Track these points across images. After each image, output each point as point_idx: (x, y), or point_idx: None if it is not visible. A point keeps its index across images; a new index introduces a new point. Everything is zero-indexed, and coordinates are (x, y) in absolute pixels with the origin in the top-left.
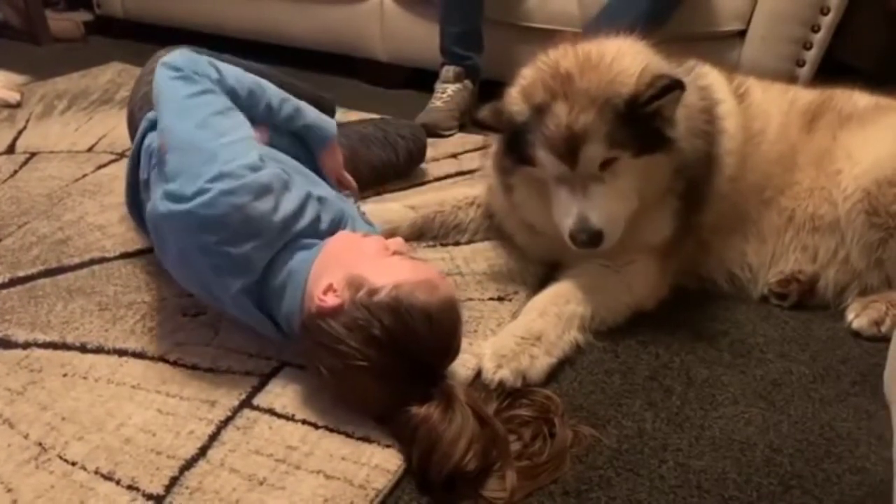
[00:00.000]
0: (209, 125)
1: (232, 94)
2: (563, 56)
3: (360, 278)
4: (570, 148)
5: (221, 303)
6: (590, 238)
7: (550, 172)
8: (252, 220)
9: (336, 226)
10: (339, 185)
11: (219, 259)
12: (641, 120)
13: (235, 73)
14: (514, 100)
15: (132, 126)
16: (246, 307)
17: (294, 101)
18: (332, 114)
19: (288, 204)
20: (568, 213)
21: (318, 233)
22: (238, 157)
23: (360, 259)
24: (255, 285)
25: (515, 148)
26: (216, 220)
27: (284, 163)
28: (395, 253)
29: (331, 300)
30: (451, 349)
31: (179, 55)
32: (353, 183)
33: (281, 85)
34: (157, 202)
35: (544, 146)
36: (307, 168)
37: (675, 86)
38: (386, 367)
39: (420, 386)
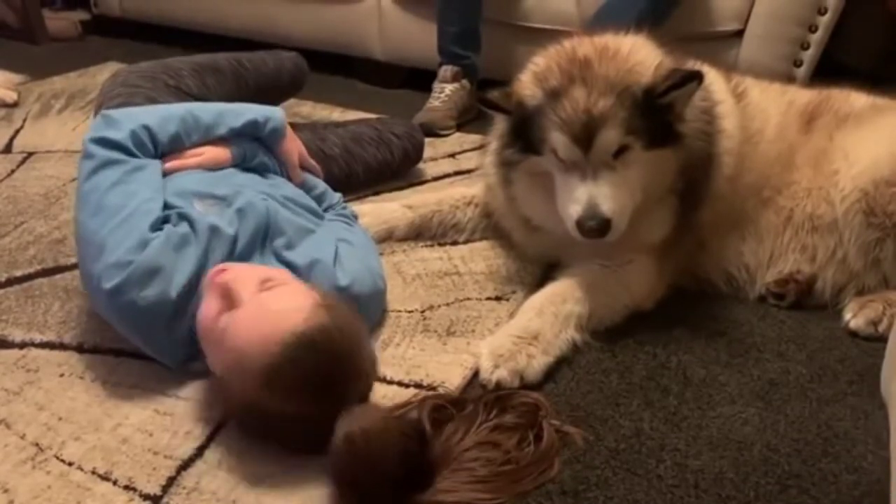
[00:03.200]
0: (102, 208)
1: (154, 144)
2: (579, 44)
3: (214, 371)
4: (586, 132)
5: None
6: (598, 226)
7: (562, 157)
8: (146, 310)
9: (263, 233)
10: (304, 171)
11: (150, 343)
12: (655, 111)
13: (159, 120)
14: (526, 84)
15: None
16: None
17: (229, 113)
18: (300, 72)
19: (186, 266)
20: (576, 200)
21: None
22: (124, 239)
23: (208, 338)
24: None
25: (522, 135)
26: (120, 318)
27: (204, 191)
28: (231, 306)
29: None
30: (334, 382)
31: (93, 128)
32: (317, 166)
33: (236, 70)
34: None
35: (560, 129)
36: (269, 164)
37: (694, 76)
38: (284, 419)
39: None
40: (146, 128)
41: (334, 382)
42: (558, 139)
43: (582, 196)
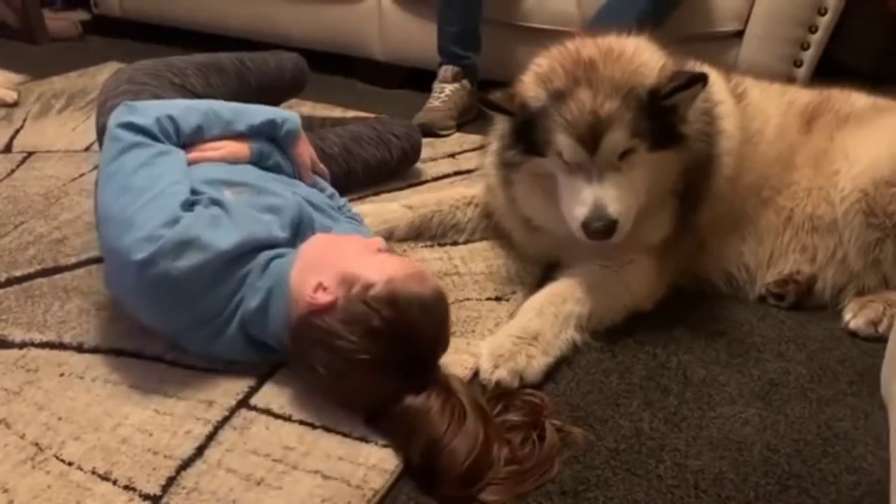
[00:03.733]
0: (129, 188)
1: (178, 134)
2: (582, 45)
3: (351, 275)
4: (593, 133)
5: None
6: (605, 227)
7: (567, 159)
8: (180, 280)
9: (296, 227)
10: (314, 173)
11: (175, 319)
12: (660, 113)
13: (182, 111)
14: (529, 86)
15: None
16: (231, 346)
17: (248, 112)
18: (301, 72)
19: (225, 238)
20: (582, 201)
21: (279, 242)
22: (155, 216)
23: (346, 258)
24: (224, 323)
25: (524, 137)
26: (149, 291)
27: (232, 179)
28: (379, 251)
29: (323, 297)
30: (444, 338)
31: (118, 115)
32: (325, 170)
33: (239, 70)
34: (106, 277)
35: (565, 131)
36: (283, 165)
37: (699, 78)
38: (384, 359)
39: (417, 376)
40: (170, 117)
41: (446, 337)
42: (564, 141)
43: (588, 198)
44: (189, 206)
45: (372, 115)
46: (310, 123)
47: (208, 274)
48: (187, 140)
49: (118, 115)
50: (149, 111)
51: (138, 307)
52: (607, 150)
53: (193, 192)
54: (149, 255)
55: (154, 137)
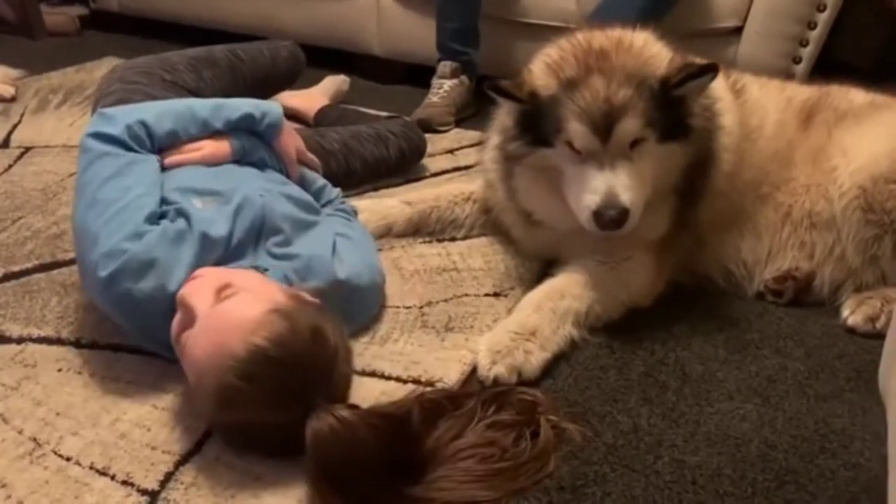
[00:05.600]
0: (97, 201)
1: (151, 139)
2: (592, 37)
3: (196, 371)
4: (606, 121)
5: None
6: (617, 216)
7: (579, 147)
8: (142, 302)
9: (253, 230)
10: (303, 166)
11: (148, 335)
12: (669, 104)
13: (155, 115)
14: (539, 75)
15: None
16: None
17: (226, 108)
18: (297, 60)
19: (183, 261)
20: (594, 189)
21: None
22: (118, 230)
23: (178, 354)
24: None
25: (530, 128)
26: (116, 308)
27: (203, 187)
28: (218, 292)
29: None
30: (297, 389)
31: (90, 125)
32: (316, 161)
33: (232, 62)
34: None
35: (578, 118)
36: (268, 159)
37: (710, 69)
38: (254, 429)
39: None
40: (142, 123)
41: (296, 388)
42: (576, 128)
43: (600, 186)
44: (156, 218)
45: (371, 112)
46: (344, 119)
47: (167, 299)
48: (162, 144)
49: (89, 125)
50: (120, 119)
51: (114, 319)
52: (620, 138)
53: (165, 201)
54: (112, 271)
55: (125, 146)
